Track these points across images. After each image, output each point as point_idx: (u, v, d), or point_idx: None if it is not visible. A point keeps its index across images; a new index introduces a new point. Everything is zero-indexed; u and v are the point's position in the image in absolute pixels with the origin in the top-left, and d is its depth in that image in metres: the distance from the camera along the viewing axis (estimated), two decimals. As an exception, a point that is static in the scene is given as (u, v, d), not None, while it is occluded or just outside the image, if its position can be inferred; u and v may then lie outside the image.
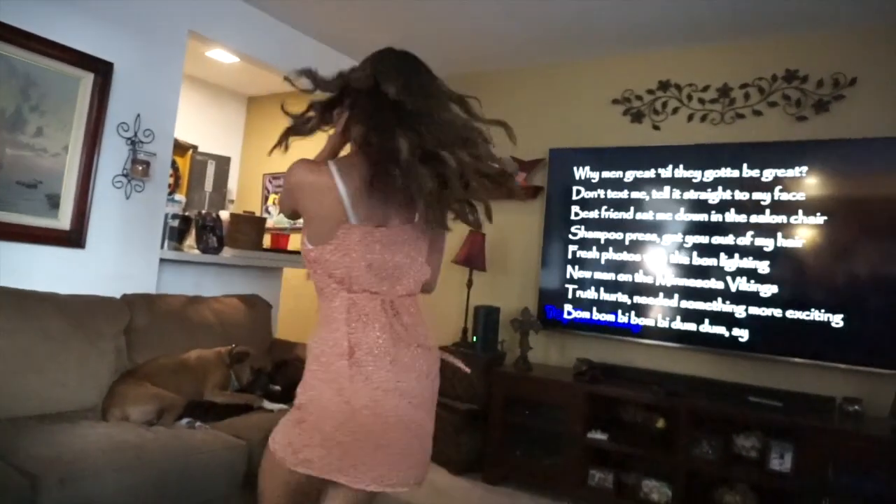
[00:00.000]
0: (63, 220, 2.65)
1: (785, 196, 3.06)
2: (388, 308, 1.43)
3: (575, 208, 3.62)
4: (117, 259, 2.85)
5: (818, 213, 2.99)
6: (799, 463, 2.69)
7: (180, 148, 4.23)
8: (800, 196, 3.03)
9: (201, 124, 4.89)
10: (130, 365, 2.56)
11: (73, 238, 2.68)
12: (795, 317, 3.00)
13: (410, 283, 1.49)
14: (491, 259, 3.85)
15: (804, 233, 3.01)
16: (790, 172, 3.05)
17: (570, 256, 3.62)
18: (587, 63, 3.81)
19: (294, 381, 2.81)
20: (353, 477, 1.36)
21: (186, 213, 3.28)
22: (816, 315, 2.96)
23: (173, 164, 4.05)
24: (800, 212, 3.02)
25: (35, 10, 2.49)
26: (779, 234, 3.06)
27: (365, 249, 1.40)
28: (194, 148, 4.41)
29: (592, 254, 3.55)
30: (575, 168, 3.63)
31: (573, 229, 3.62)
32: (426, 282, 1.57)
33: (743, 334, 3.11)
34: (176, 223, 3.15)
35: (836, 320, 2.92)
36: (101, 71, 2.70)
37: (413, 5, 3.29)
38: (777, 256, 3.06)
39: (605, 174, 3.54)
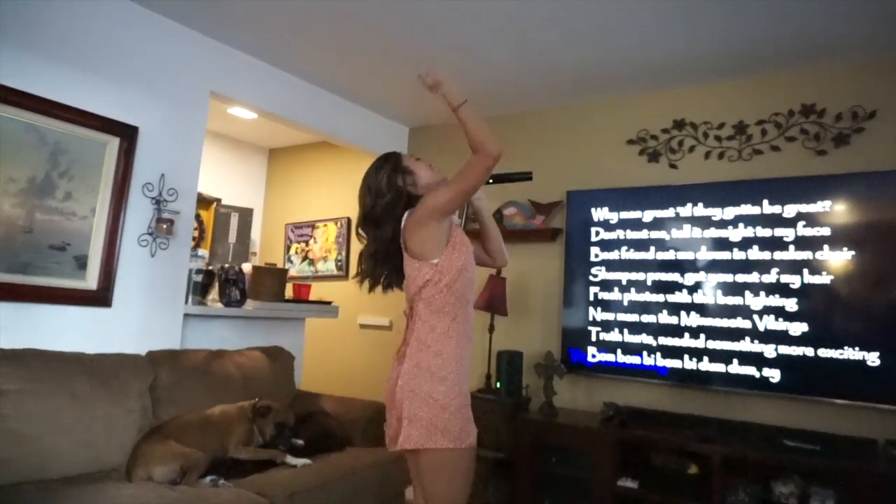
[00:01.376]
0: (90, 280, 2.71)
1: (809, 231, 3.01)
2: None
3: (595, 249, 3.60)
4: (143, 316, 2.90)
5: (844, 248, 2.93)
6: (842, 510, 2.57)
7: (204, 201, 4.33)
8: (824, 231, 2.97)
9: (224, 177, 5.01)
10: (156, 422, 2.58)
11: (100, 297, 2.74)
12: (828, 355, 2.91)
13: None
14: (512, 303, 3.82)
15: (831, 267, 2.95)
16: (813, 207, 3.01)
17: (591, 298, 3.58)
18: (601, 104, 3.84)
19: (317, 435, 2.83)
20: None
21: (210, 268, 3.34)
22: (850, 353, 2.87)
23: (197, 217, 4.14)
24: (825, 247, 2.96)
25: (61, 79, 2.60)
26: (805, 271, 3.00)
27: None
28: (218, 201, 4.51)
29: (615, 295, 3.51)
30: (593, 209, 3.63)
31: (594, 270, 3.59)
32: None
33: (774, 374, 3.03)
34: (200, 278, 3.21)
35: (872, 358, 2.83)
36: (127, 135, 2.80)
37: (426, 59, 3.37)
38: (805, 293, 2.99)
39: (624, 214, 3.52)
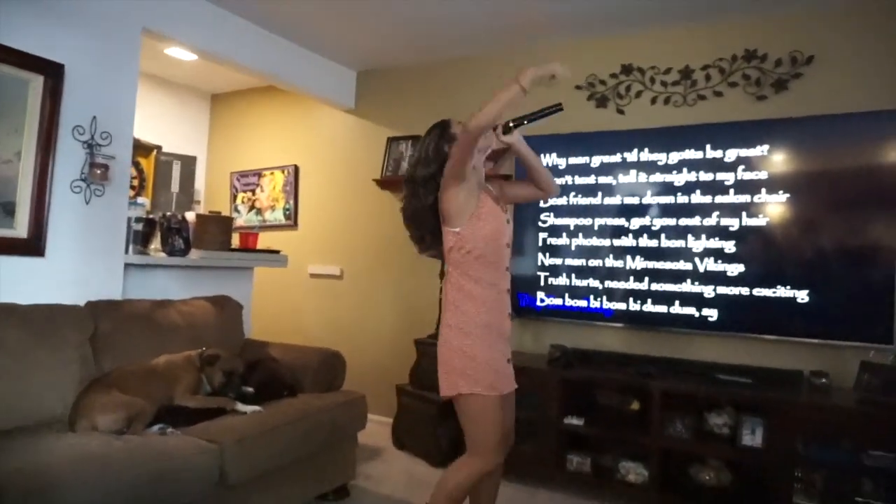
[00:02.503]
0: (20, 228, 2.57)
1: (748, 175, 3.10)
2: None
3: (544, 195, 3.62)
4: (80, 266, 2.79)
5: (781, 191, 3.03)
6: (770, 437, 2.74)
7: (143, 149, 4.14)
8: (762, 175, 3.07)
9: (165, 124, 4.80)
10: (98, 373, 2.51)
11: (32, 246, 2.61)
12: (762, 294, 3.05)
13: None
14: (463, 249, 3.84)
15: (768, 211, 3.06)
16: (752, 152, 3.09)
17: (540, 244, 3.63)
18: (551, 48, 3.80)
19: (266, 381, 2.82)
20: None
21: (151, 216, 3.22)
22: (782, 292, 3.02)
23: (137, 165, 3.97)
24: (763, 190, 3.07)
25: (-22, 13, 2.41)
26: (743, 214, 3.10)
27: None
28: (158, 148, 4.31)
29: (563, 240, 3.56)
30: (541, 155, 3.63)
31: (543, 216, 3.63)
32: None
33: (712, 314, 3.16)
34: (140, 226, 3.09)
35: (802, 296, 2.98)
36: (52, 73, 2.62)
37: (372, -4, 3.26)
38: (742, 236, 3.11)
39: (572, 160, 3.55)
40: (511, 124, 2.09)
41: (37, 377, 2.28)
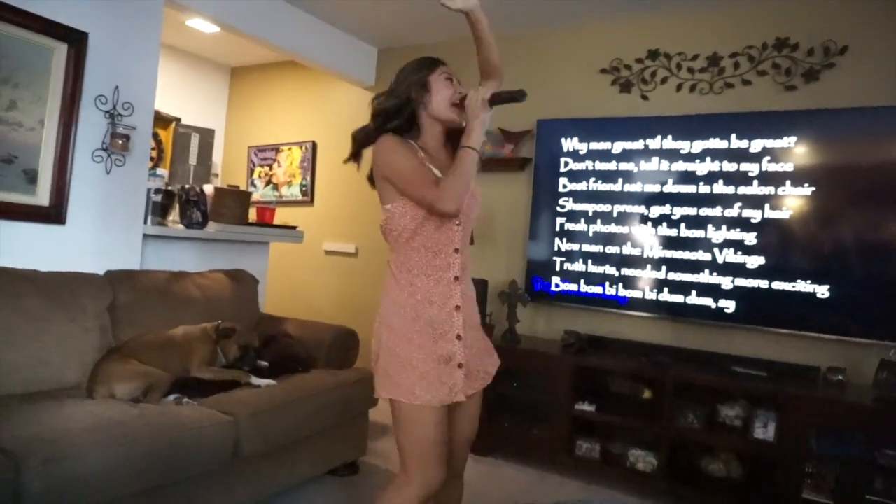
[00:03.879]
0: (42, 195, 2.59)
1: (773, 167, 3.05)
2: None
3: (563, 180, 3.59)
4: (99, 235, 2.81)
5: (805, 184, 2.98)
6: (782, 431, 2.73)
7: (163, 120, 4.15)
8: (787, 167, 3.01)
9: (184, 96, 4.80)
10: (115, 342, 2.54)
11: (53, 214, 2.63)
12: (781, 288, 3.02)
13: None
14: (478, 232, 3.83)
15: (791, 203, 3.01)
16: (778, 143, 3.04)
17: (558, 229, 3.60)
18: (575, 31, 3.74)
19: (281, 357, 2.84)
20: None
21: (169, 188, 3.23)
22: (802, 286, 2.98)
23: (156, 136, 3.98)
24: (787, 182, 3.01)
25: (3, -22, 2.40)
26: (766, 206, 3.05)
27: None
28: (177, 120, 4.33)
29: (580, 226, 3.54)
30: (563, 139, 3.60)
31: (561, 201, 3.60)
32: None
33: (729, 305, 3.13)
34: (159, 198, 3.11)
35: (822, 291, 2.94)
36: (75, 41, 2.62)
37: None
38: (764, 228, 3.06)
39: (594, 145, 3.50)
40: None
41: (56, 344, 2.31)
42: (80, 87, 2.66)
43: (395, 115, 1.72)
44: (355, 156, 1.81)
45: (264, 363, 2.77)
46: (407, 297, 1.69)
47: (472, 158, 1.64)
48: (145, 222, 3.02)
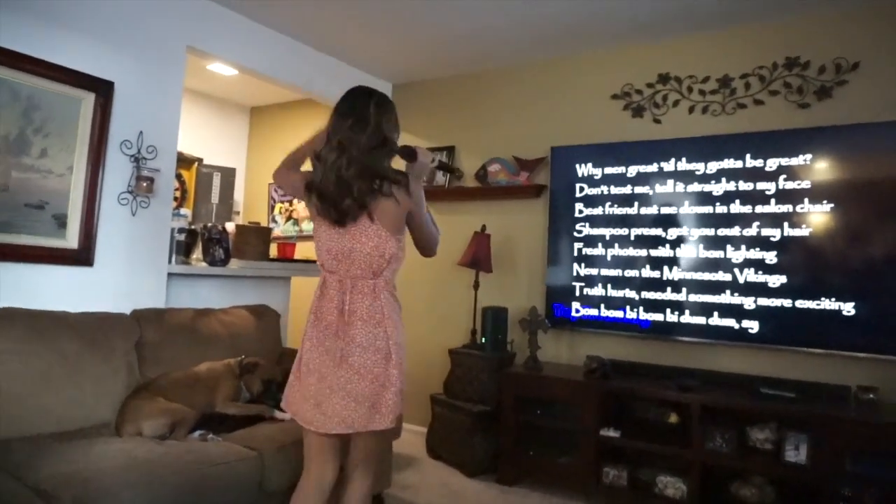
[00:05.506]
0: (71, 239, 2.68)
1: (790, 185, 3.04)
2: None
3: (579, 205, 3.61)
4: (126, 275, 2.88)
5: (825, 201, 2.96)
6: (815, 453, 2.66)
7: (185, 161, 4.27)
8: (805, 184, 3.00)
9: (206, 137, 4.93)
10: (142, 380, 2.59)
11: (82, 256, 2.71)
12: (805, 306, 2.98)
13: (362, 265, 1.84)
14: (497, 259, 3.85)
15: (811, 221, 2.99)
16: (794, 161, 3.03)
17: (576, 254, 3.61)
18: (585, 58, 3.80)
19: (304, 390, 2.85)
20: (312, 420, 1.79)
21: (192, 227, 3.31)
22: (827, 304, 2.94)
23: (179, 177, 4.09)
24: (806, 200, 3.00)
25: (34, 34, 2.52)
26: (785, 224, 3.04)
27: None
28: (199, 161, 4.45)
29: (598, 250, 3.54)
30: (577, 165, 3.62)
31: (578, 226, 3.61)
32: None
33: (753, 325, 3.09)
34: (182, 237, 3.18)
35: (848, 308, 2.89)
36: (102, 90, 2.73)
37: (408, 10, 3.30)
38: (784, 246, 3.04)
39: (608, 170, 3.52)
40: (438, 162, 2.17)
41: (90, 384, 2.36)
42: (107, 133, 2.77)
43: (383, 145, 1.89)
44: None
45: (288, 397, 2.79)
46: (397, 322, 1.89)
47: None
48: (170, 261, 3.09)
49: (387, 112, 1.88)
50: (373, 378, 1.77)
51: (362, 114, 1.83)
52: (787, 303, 3.02)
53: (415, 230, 1.93)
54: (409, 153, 1.92)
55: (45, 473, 1.84)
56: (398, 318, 1.87)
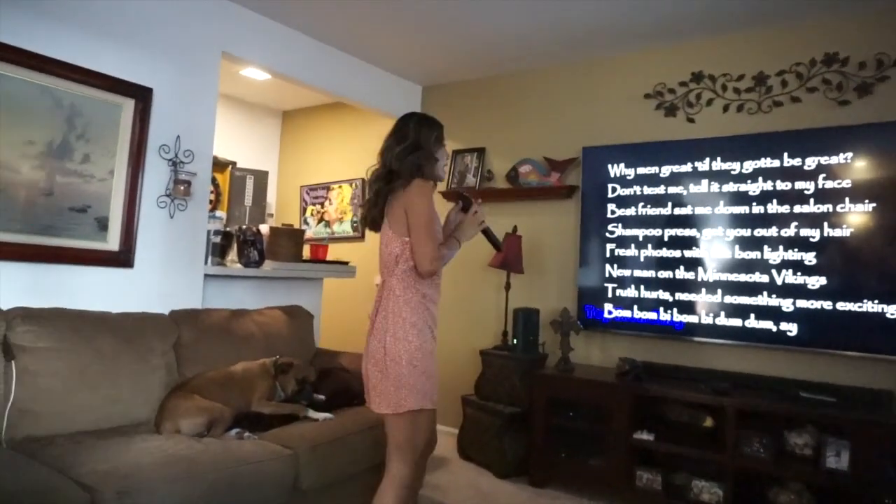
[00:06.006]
0: (112, 241, 2.76)
1: (829, 184, 2.96)
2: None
3: (611, 206, 3.58)
4: (164, 277, 2.95)
5: (866, 200, 2.88)
6: (856, 460, 2.59)
7: (219, 165, 4.35)
8: (846, 183, 2.93)
9: (239, 141, 5.02)
10: (180, 379, 2.65)
11: (122, 258, 2.79)
12: (846, 308, 2.90)
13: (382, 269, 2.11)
14: (528, 261, 3.83)
15: (852, 220, 2.91)
16: (834, 159, 2.96)
17: (608, 255, 3.58)
18: (616, 58, 3.76)
19: (337, 390, 2.89)
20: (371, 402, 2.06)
21: (227, 229, 3.37)
22: (869, 306, 2.86)
23: (213, 180, 4.16)
24: (846, 199, 2.92)
25: (75, 42, 2.60)
26: (825, 224, 2.96)
27: None
28: (233, 164, 4.52)
29: (631, 251, 3.50)
30: (609, 165, 3.59)
31: (610, 227, 3.57)
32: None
33: (791, 328, 3.02)
34: (218, 239, 3.24)
35: (891, 311, 2.81)
36: (141, 96, 2.81)
37: (437, 14, 3.31)
38: (824, 247, 2.96)
39: (641, 170, 3.49)
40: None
41: (128, 382, 2.42)
42: (146, 138, 2.84)
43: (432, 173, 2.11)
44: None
45: (321, 397, 2.83)
46: (427, 319, 2.04)
47: (458, 248, 2.12)
48: (206, 263, 3.16)
49: (426, 126, 2.10)
50: (374, 363, 2.01)
51: (403, 129, 2.08)
52: (827, 305, 2.95)
53: (409, 235, 2.02)
54: (466, 202, 2.16)
55: (87, 468, 1.90)
56: (408, 315, 2.00)
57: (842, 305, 2.91)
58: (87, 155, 2.65)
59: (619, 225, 3.55)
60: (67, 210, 2.60)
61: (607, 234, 3.58)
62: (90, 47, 2.65)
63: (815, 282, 2.98)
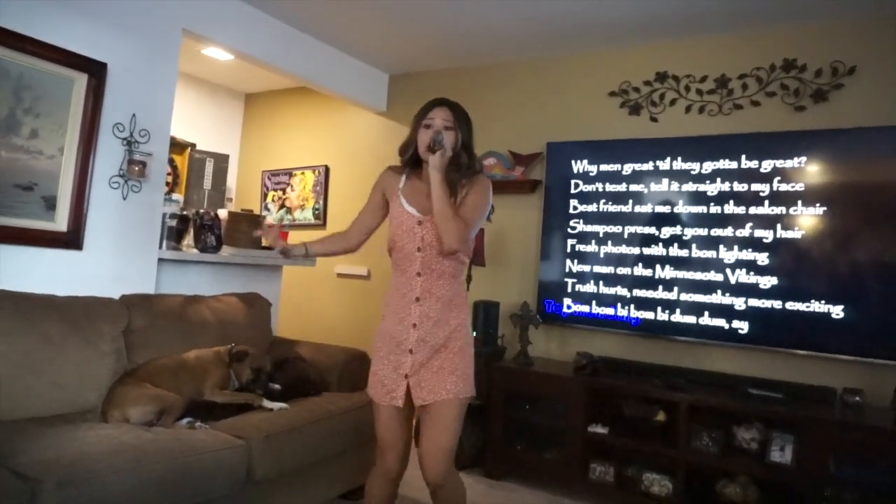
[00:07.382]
0: (60, 221, 2.65)
1: (784, 187, 3.05)
2: None
3: (573, 202, 3.61)
4: (115, 260, 2.85)
5: (817, 204, 2.97)
6: (800, 454, 2.69)
7: (178, 146, 4.22)
8: (799, 186, 3.01)
9: (199, 122, 4.88)
10: (130, 366, 2.56)
11: (71, 240, 2.68)
12: (795, 308, 3.00)
13: None
14: (490, 254, 3.84)
15: (804, 223, 3.00)
16: (789, 163, 3.04)
17: (569, 250, 3.61)
18: (584, 56, 3.79)
19: (294, 380, 2.85)
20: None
21: (184, 213, 3.28)
22: (816, 306, 2.96)
23: (171, 162, 4.04)
24: (799, 202, 3.01)
25: (27, 12, 2.48)
26: (778, 226, 3.05)
27: None
28: (192, 146, 4.40)
29: (591, 247, 3.54)
30: (573, 161, 3.62)
31: (572, 223, 3.61)
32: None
33: (743, 326, 3.11)
34: (174, 223, 3.15)
35: (837, 311, 2.91)
36: (95, 71, 2.69)
37: (407, 2, 3.27)
38: (776, 248, 3.05)
39: (604, 167, 3.52)
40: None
41: (73, 368, 2.33)
42: (99, 115, 2.73)
43: (404, 150, 2.14)
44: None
45: (277, 386, 2.77)
46: (383, 306, 2.09)
47: (438, 199, 1.90)
48: (160, 247, 3.06)
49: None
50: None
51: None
52: (777, 304, 3.04)
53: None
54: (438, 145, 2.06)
55: (27, 457, 1.82)
56: (387, 301, 2.08)
57: (791, 305, 3.01)
58: (34, 130, 2.53)
59: (581, 221, 3.58)
60: (12, 187, 2.48)
61: (569, 230, 3.62)
62: (42, 17, 2.53)
63: (767, 281, 3.06)
